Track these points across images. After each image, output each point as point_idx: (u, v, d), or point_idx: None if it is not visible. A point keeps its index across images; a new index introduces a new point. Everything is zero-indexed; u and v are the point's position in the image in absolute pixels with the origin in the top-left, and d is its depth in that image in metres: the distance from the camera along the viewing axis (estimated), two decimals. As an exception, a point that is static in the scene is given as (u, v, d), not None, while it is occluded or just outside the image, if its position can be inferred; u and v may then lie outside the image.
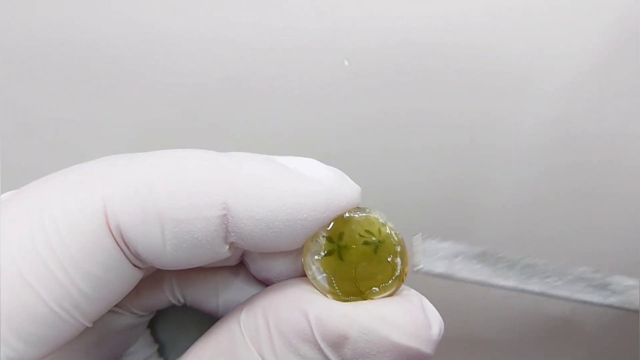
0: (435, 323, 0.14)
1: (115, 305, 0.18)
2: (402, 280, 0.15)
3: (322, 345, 0.13)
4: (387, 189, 0.26)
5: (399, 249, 0.15)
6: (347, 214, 0.15)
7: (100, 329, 0.17)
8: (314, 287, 0.15)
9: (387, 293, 0.15)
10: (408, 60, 0.24)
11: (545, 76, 0.24)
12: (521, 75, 0.24)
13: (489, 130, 0.25)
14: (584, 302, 0.16)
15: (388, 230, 0.15)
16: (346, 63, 0.23)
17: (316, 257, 0.14)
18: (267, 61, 0.23)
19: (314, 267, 0.14)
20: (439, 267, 0.14)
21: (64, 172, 0.14)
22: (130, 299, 0.18)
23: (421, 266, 0.14)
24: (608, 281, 0.16)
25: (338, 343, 0.13)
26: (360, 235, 0.15)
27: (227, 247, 0.14)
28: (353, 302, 0.14)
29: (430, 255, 0.14)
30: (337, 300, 0.14)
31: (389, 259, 0.15)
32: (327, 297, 0.14)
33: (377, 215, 0.15)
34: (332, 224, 0.14)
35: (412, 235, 0.16)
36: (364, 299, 0.14)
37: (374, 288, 0.14)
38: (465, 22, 0.23)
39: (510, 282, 0.15)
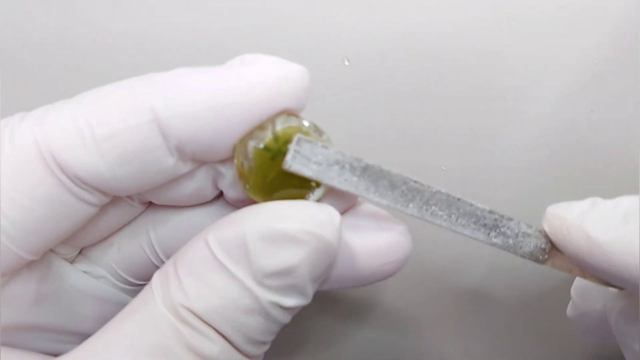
0: (327, 207, 0.14)
1: (94, 273, 0.18)
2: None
3: (226, 262, 0.13)
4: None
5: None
6: (306, 123, 0.15)
7: (71, 292, 0.17)
8: (235, 165, 0.15)
9: None
10: (408, 60, 0.24)
11: (545, 76, 0.24)
12: (521, 76, 0.24)
13: (489, 131, 0.25)
14: (465, 236, 0.16)
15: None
16: (346, 63, 0.23)
17: (253, 143, 0.14)
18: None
19: (247, 150, 0.14)
20: (309, 171, 0.14)
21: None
22: (111, 256, 0.18)
23: (288, 165, 0.14)
24: (500, 223, 0.16)
25: (240, 255, 0.13)
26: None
27: (174, 157, 0.14)
28: (249, 207, 0.14)
29: (304, 157, 0.14)
30: (247, 190, 0.15)
31: (312, 183, 0.15)
32: (240, 181, 0.15)
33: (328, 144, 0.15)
34: (285, 125, 0.14)
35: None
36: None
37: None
38: (465, 23, 0.23)
39: (384, 201, 0.15)
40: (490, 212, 0.16)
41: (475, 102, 0.24)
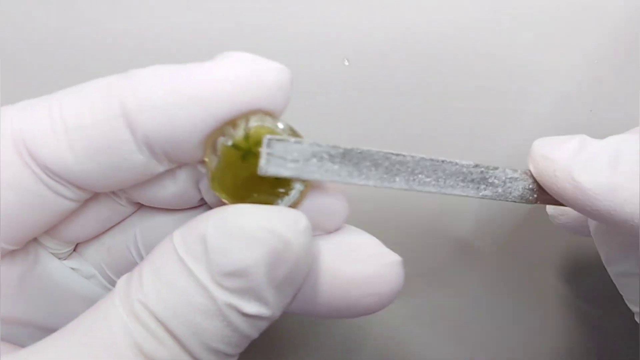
0: (299, 213, 0.13)
1: (84, 272, 0.18)
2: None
3: (185, 258, 0.13)
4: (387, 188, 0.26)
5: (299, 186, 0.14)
6: (281, 125, 0.14)
7: (56, 289, 0.17)
8: (204, 163, 0.14)
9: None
10: (408, 60, 0.24)
11: (545, 76, 0.24)
12: (521, 76, 0.24)
13: (489, 131, 0.25)
14: (455, 196, 0.16)
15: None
16: (346, 63, 0.23)
17: (222, 140, 0.14)
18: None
19: (216, 146, 0.14)
20: (287, 171, 0.13)
21: None
22: (102, 256, 0.18)
23: (264, 170, 0.13)
24: (487, 175, 0.16)
25: (199, 252, 0.13)
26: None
27: (145, 154, 0.14)
28: (217, 208, 0.14)
29: (278, 157, 0.13)
30: (212, 188, 0.14)
31: (282, 189, 0.14)
32: (207, 178, 0.14)
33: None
34: (258, 124, 0.14)
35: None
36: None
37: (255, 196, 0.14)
38: (465, 23, 0.23)
39: (370, 182, 0.14)
40: (476, 166, 0.16)
41: (475, 102, 0.24)
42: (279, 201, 0.14)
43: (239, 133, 0.14)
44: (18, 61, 0.23)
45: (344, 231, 0.16)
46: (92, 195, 0.15)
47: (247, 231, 0.13)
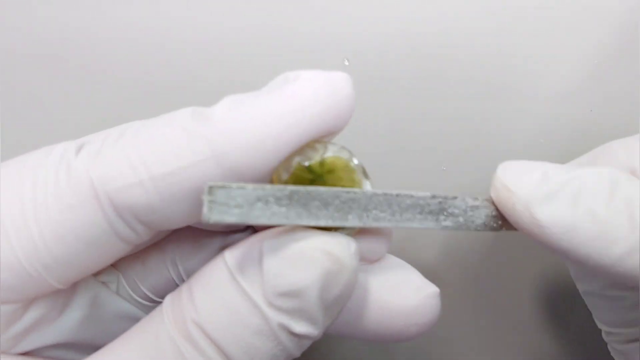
0: (348, 237, 0.14)
1: (119, 290, 0.18)
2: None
3: (239, 279, 0.13)
4: (386, 187, 0.26)
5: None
6: (355, 161, 0.15)
7: (98, 310, 0.17)
8: (272, 175, 0.14)
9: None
10: (408, 60, 0.24)
11: (545, 76, 0.24)
12: (521, 76, 0.24)
13: (489, 130, 0.25)
14: (415, 228, 0.15)
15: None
16: (346, 63, 0.23)
17: (298, 159, 0.14)
18: (268, 61, 0.23)
19: (291, 163, 0.14)
20: (231, 217, 0.13)
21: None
22: (136, 271, 0.18)
23: (207, 218, 0.13)
24: (445, 205, 0.15)
25: (253, 272, 0.13)
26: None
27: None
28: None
29: (221, 204, 0.13)
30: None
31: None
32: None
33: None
34: (336, 154, 0.14)
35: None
36: None
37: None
38: (465, 23, 0.23)
39: (320, 222, 0.14)
40: (433, 197, 0.15)
41: (475, 102, 0.24)
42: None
43: (315, 157, 0.14)
44: (18, 61, 0.23)
45: (388, 262, 0.17)
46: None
47: (303, 252, 0.13)
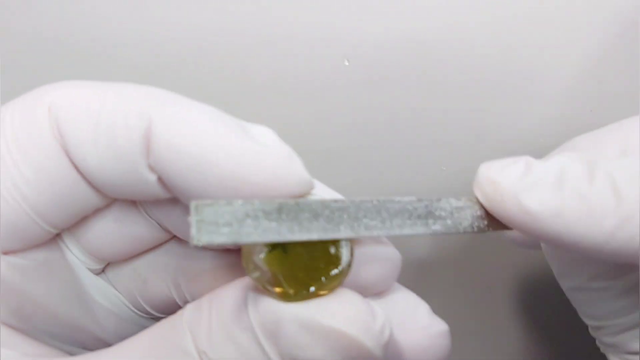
0: (379, 315, 0.13)
1: (124, 306, 0.18)
2: (350, 267, 0.14)
3: (259, 333, 0.13)
4: (386, 187, 0.26)
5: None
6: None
7: (92, 299, 0.17)
8: (265, 291, 0.14)
9: (335, 282, 0.14)
10: (408, 60, 0.24)
11: (545, 76, 0.24)
12: (521, 76, 0.24)
13: (489, 130, 0.25)
14: (406, 236, 0.15)
15: None
16: (346, 63, 0.23)
17: (261, 255, 0.13)
18: (268, 61, 0.23)
19: (259, 270, 0.13)
20: (221, 237, 0.12)
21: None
22: (135, 284, 0.18)
23: (196, 240, 0.12)
24: (432, 208, 0.15)
25: (274, 332, 0.13)
26: None
27: (152, 175, 0.14)
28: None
29: (210, 224, 0.12)
30: (288, 300, 0.13)
31: (331, 248, 0.14)
32: (277, 298, 0.13)
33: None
34: None
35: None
36: (314, 292, 0.14)
37: (322, 278, 0.14)
38: (465, 23, 0.23)
39: (313, 235, 0.13)
40: (419, 200, 0.15)
41: (475, 102, 0.24)
42: (335, 271, 0.14)
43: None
44: (18, 61, 0.23)
45: (394, 293, 0.16)
46: (123, 210, 0.16)
47: (326, 333, 0.12)
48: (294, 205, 0.13)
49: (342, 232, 0.14)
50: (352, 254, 0.14)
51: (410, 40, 0.23)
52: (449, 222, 0.15)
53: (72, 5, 0.22)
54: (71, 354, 0.16)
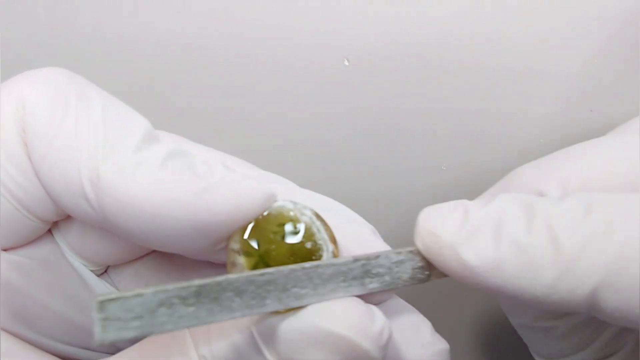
0: (378, 317, 0.13)
1: None
2: (336, 249, 0.14)
3: (257, 337, 0.13)
4: (387, 187, 0.26)
5: (318, 229, 0.14)
6: (307, 212, 0.14)
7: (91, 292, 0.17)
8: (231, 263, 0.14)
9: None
10: (408, 60, 0.24)
11: (545, 76, 0.24)
12: (521, 76, 0.24)
13: (489, 130, 0.25)
14: (339, 298, 0.14)
15: (304, 216, 0.14)
16: (346, 63, 0.23)
17: (236, 253, 0.14)
18: (268, 61, 0.23)
19: (236, 261, 0.13)
20: (131, 332, 0.11)
21: None
22: (137, 285, 0.18)
23: (100, 339, 0.11)
24: (369, 267, 0.14)
25: (272, 336, 0.13)
26: (275, 233, 0.14)
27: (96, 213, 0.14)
28: None
29: (116, 319, 0.11)
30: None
31: (312, 244, 0.14)
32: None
33: (283, 204, 0.14)
34: (238, 237, 0.14)
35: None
36: None
37: None
38: (465, 24, 0.23)
39: (236, 314, 0.12)
40: (355, 260, 0.14)
41: (475, 103, 0.24)
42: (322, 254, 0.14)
43: (243, 257, 0.14)
44: (18, 61, 0.23)
45: (394, 308, 0.16)
46: None
47: (324, 334, 0.12)
48: (214, 284, 0.12)
49: (268, 306, 0.13)
50: (333, 240, 0.14)
51: (410, 40, 0.23)
52: (387, 278, 0.15)
53: (72, 5, 0.22)
54: (74, 358, 0.16)
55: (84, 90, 0.14)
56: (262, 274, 0.13)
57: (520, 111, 0.25)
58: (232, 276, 0.12)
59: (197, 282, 0.12)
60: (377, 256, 0.15)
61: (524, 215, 0.14)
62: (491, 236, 0.14)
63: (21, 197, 0.14)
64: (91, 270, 0.17)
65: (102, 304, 0.11)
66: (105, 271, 0.18)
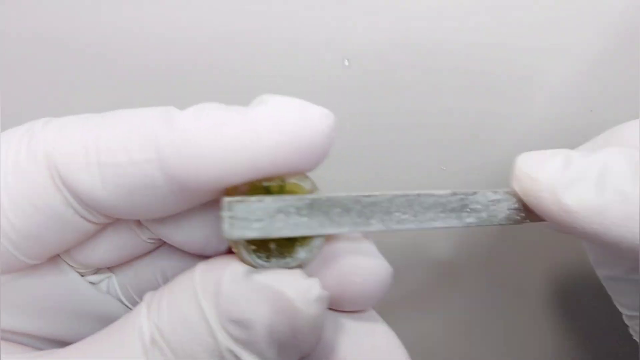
0: (316, 287, 0.13)
1: (109, 290, 0.18)
2: (306, 262, 0.14)
3: (199, 293, 0.13)
4: (386, 187, 0.26)
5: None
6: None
7: (77, 305, 0.17)
8: (246, 261, 0.14)
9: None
10: (408, 60, 0.24)
11: (545, 76, 0.24)
12: (521, 76, 0.24)
13: (489, 130, 0.25)
14: (438, 228, 0.15)
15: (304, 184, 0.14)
16: (346, 63, 0.23)
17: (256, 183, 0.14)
18: (268, 61, 0.23)
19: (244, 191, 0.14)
20: (253, 232, 0.12)
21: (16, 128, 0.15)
22: (127, 275, 0.18)
23: (228, 234, 0.12)
24: (467, 201, 0.15)
25: (213, 293, 0.13)
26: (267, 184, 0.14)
27: (175, 196, 0.14)
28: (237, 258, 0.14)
29: (242, 219, 0.12)
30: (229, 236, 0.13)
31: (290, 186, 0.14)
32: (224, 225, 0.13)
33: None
34: (295, 181, 0.14)
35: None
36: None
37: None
38: (465, 24, 0.23)
39: (344, 229, 0.13)
40: (454, 194, 0.15)
41: (475, 102, 0.24)
42: (299, 248, 0.14)
43: (275, 182, 0.14)
44: (18, 61, 0.23)
45: (366, 321, 0.16)
46: (113, 224, 0.15)
47: (257, 287, 0.13)
48: (324, 200, 0.13)
49: (373, 226, 0.14)
50: (320, 248, 0.14)
51: (410, 40, 0.23)
52: (484, 214, 0.15)
53: (73, 4, 0.22)
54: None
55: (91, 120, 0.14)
56: (368, 195, 0.14)
57: (520, 111, 0.25)
58: (340, 194, 0.14)
59: (310, 196, 0.13)
60: (474, 192, 0.15)
61: (629, 169, 0.14)
62: (595, 183, 0.14)
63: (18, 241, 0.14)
64: (78, 272, 0.17)
65: (230, 204, 0.12)
66: (96, 274, 0.18)
